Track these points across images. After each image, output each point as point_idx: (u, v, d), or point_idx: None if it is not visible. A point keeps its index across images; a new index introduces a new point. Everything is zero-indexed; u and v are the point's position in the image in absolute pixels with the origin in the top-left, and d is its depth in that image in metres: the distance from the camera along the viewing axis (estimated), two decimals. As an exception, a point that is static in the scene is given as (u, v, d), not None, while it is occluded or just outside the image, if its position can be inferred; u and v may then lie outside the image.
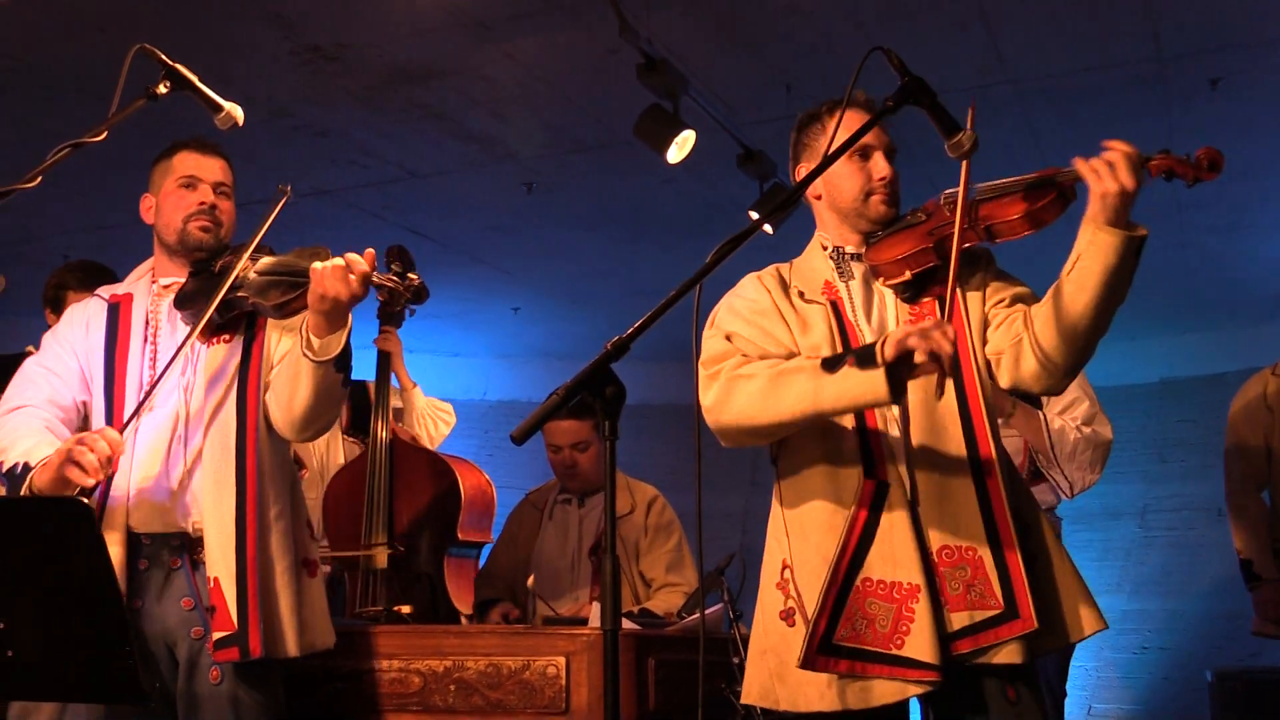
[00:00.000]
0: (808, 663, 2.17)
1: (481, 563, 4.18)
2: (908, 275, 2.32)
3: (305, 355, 2.56)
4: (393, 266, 2.61)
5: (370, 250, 2.55)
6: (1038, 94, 5.05)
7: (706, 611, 3.12)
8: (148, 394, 2.63)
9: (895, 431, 2.26)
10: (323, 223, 6.22)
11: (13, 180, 2.29)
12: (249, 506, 2.61)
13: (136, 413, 2.63)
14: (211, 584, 2.58)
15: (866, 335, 2.31)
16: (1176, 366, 8.48)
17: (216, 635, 2.56)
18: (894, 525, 2.20)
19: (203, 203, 2.76)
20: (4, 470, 2.59)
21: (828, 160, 2.26)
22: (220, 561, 2.58)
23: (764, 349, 2.29)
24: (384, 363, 4.12)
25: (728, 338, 2.32)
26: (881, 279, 2.37)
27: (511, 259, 7.17)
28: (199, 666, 2.60)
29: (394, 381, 4.20)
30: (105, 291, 2.86)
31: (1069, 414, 3.62)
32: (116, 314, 2.79)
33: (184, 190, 2.77)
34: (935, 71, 2.29)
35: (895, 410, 2.26)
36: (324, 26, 4.47)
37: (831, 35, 4.56)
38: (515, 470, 7.98)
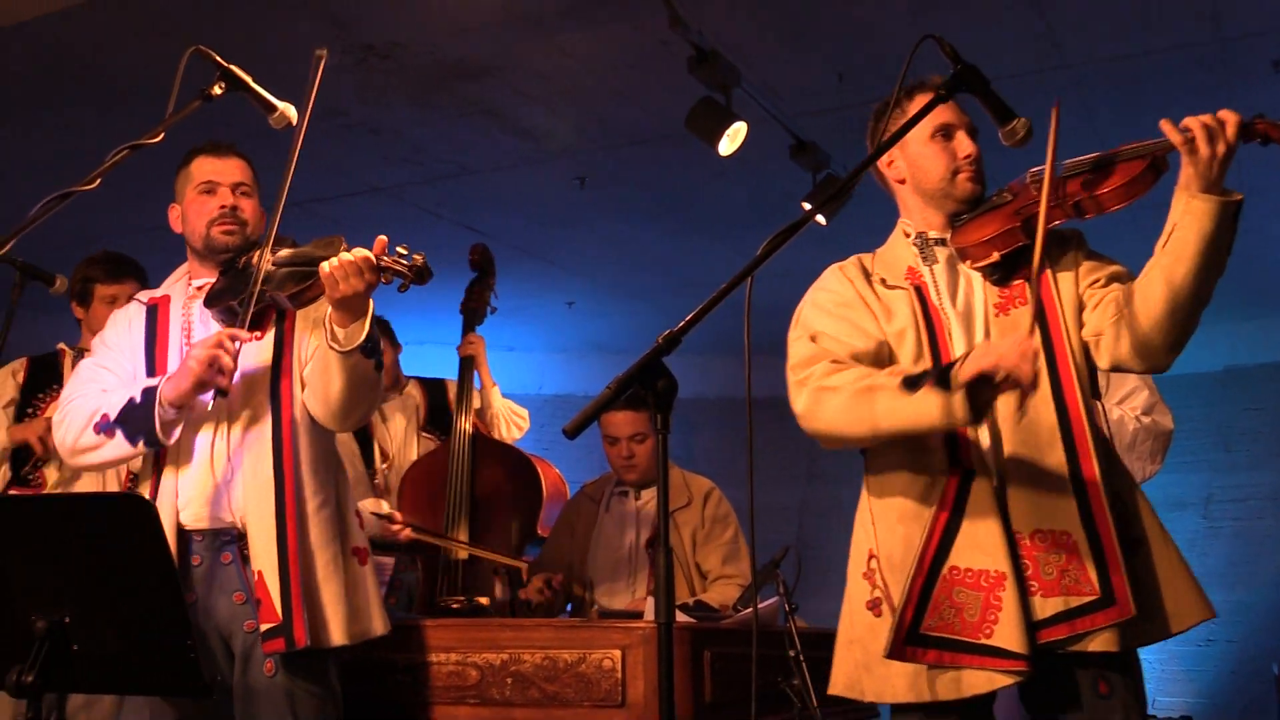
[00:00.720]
0: (894, 653, 2.16)
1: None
2: (995, 257, 2.28)
3: (331, 347, 2.61)
4: (398, 249, 2.63)
5: (381, 238, 2.60)
6: (1094, 78, 4.98)
7: (762, 605, 3.11)
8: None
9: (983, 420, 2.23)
10: (377, 220, 6.28)
11: (69, 182, 2.34)
12: (288, 499, 2.66)
13: (247, 315, 2.67)
14: (256, 577, 2.62)
15: (952, 319, 2.30)
16: (1240, 354, 8.33)
17: (264, 627, 2.61)
18: (980, 513, 2.17)
19: (223, 206, 2.82)
20: (120, 414, 2.65)
21: (882, 147, 2.26)
22: (263, 554, 2.63)
23: (851, 344, 2.28)
24: (468, 366, 4.16)
25: (813, 339, 2.32)
26: (969, 262, 2.33)
27: (564, 253, 7.19)
28: (253, 659, 2.65)
29: (475, 381, 4.27)
30: (144, 295, 2.94)
31: (1128, 403, 3.55)
32: (155, 315, 2.86)
33: (204, 196, 2.83)
34: (989, 57, 2.26)
35: None
36: (376, 25, 4.51)
37: (883, 23, 4.53)
38: (572, 465, 8.00)
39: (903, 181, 2.43)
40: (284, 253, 2.71)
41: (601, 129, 5.39)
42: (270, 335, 2.77)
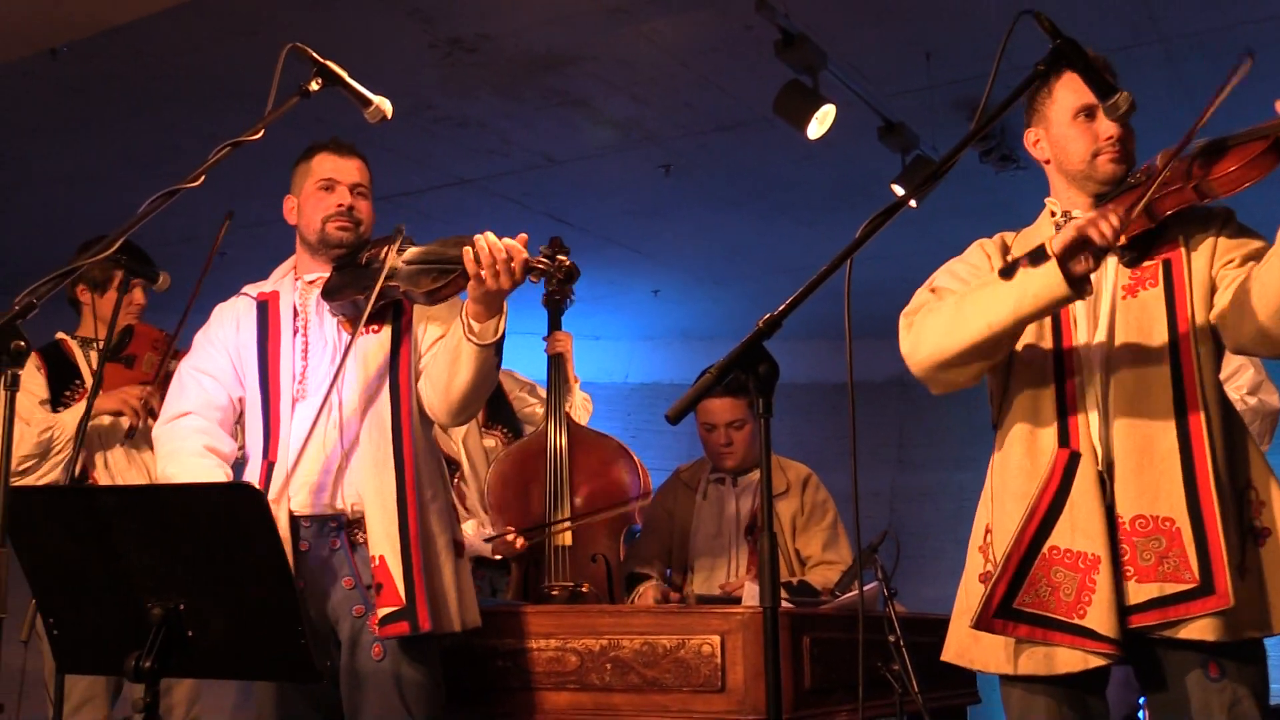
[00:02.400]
0: (980, 623, 2.19)
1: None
2: (1123, 239, 2.25)
3: (469, 339, 2.64)
4: (542, 250, 2.65)
5: (523, 235, 2.62)
6: (1190, 51, 4.86)
7: (868, 587, 3.09)
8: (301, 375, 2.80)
9: (1095, 399, 2.23)
10: (464, 212, 6.34)
11: (172, 182, 2.39)
12: (408, 487, 2.72)
13: (339, 371, 2.75)
14: (376, 562, 2.67)
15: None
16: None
17: (383, 611, 2.65)
18: (1082, 495, 2.17)
19: (340, 204, 2.88)
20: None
21: (973, 134, 2.23)
22: (384, 540, 2.68)
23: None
24: (558, 364, 4.17)
25: (932, 290, 2.33)
26: None
27: (651, 241, 7.20)
28: (360, 644, 2.70)
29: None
30: (252, 290, 2.98)
31: (1232, 383, 3.47)
32: (266, 310, 2.92)
33: (323, 192, 2.89)
34: (1081, 32, 2.21)
35: (1098, 375, 2.23)
36: (463, 18, 4.54)
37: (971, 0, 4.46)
38: (661, 452, 8.03)
39: (1048, 162, 2.42)
40: (413, 250, 2.74)
41: (687, 116, 5.38)
42: (388, 329, 2.83)
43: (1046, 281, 2.06)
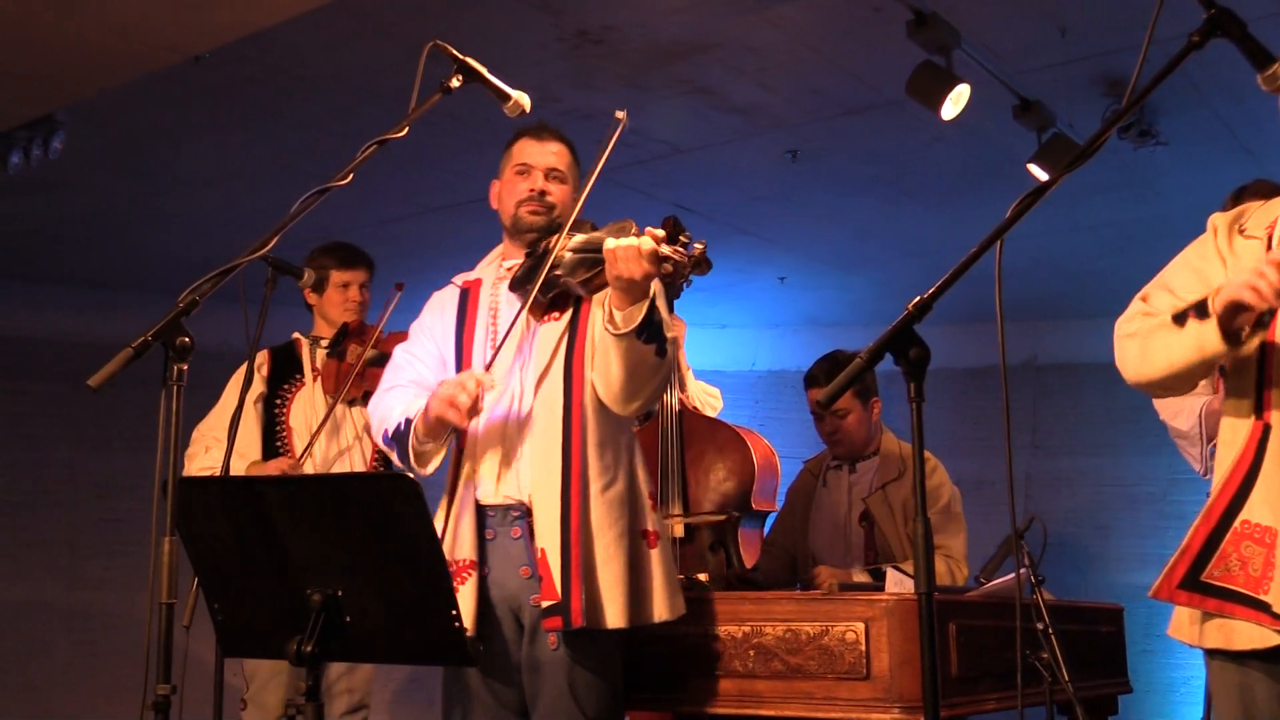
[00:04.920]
0: (1157, 592, 2.18)
1: (763, 533, 4.20)
2: None
3: (606, 329, 2.63)
4: (680, 239, 2.62)
5: (652, 231, 2.59)
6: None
7: (1007, 577, 3.05)
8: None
9: None
10: (589, 204, 6.36)
11: (311, 181, 2.46)
12: (573, 479, 2.70)
13: (495, 354, 2.79)
14: (539, 554, 2.69)
15: None
16: None
17: (544, 604, 2.67)
18: (1272, 468, 2.12)
19: (532, 189, 2.90)
20: (390, 435, 2.81)
21: (1125, 110, 2.18)
22: (547, 533, 2.69)
23: (1176, 301, 2.23)
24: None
25: (1143, 298, 2.31)
26: None
27: (777, 228, 7.15)
28: (539, 633, 2.72)
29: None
30: (459, 278, 3.04)
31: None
32: (466, 299, 2.97)
33: (518, 177, 2.93)
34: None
35: None
36: (589, 10, 4.56)
37: (1109, -29, 4.34)
38: (788, 440, 7.98)
39: None
40: (578, 239, 2.75)
41: (815, 101, 5.34)
42: (566, 317, 2.84)
43: (1205, 338, 2.08)
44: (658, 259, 2.53)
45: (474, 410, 2.64)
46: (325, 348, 4.01)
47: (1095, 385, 7.93)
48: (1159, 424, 3.54)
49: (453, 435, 2.80)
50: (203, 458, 3.86)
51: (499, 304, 2.91)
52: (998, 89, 4.82)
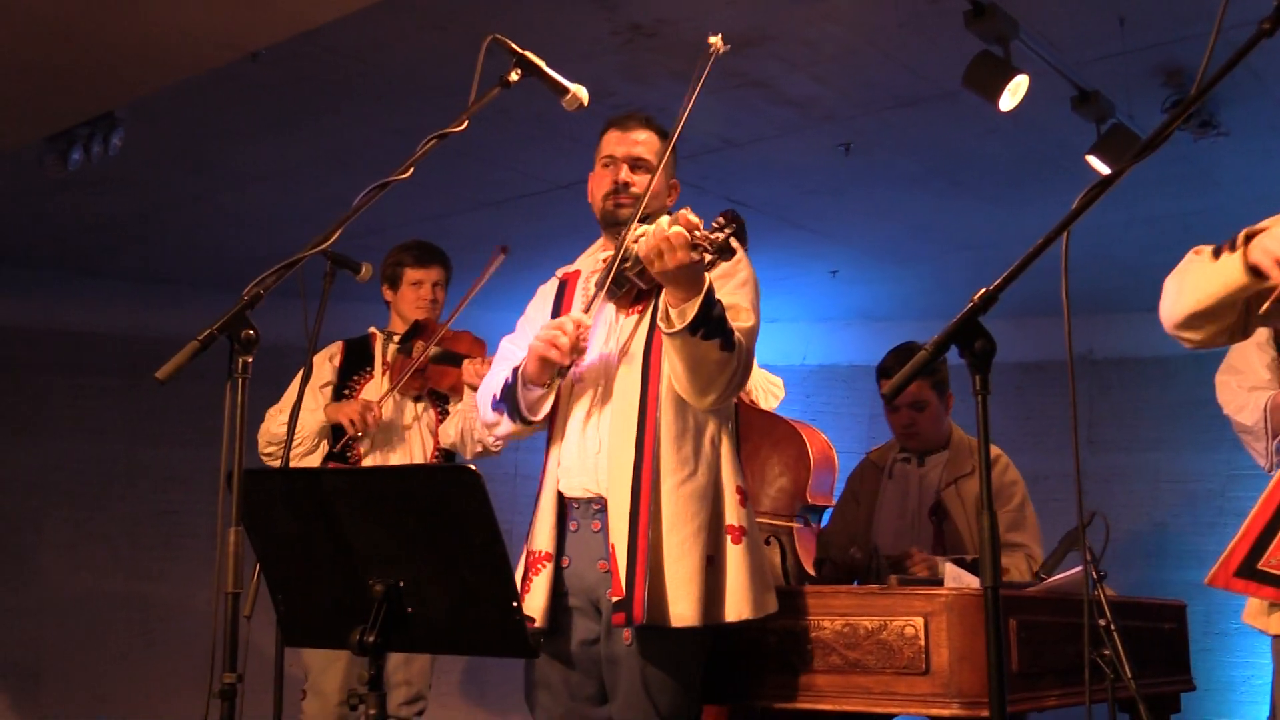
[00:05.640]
0: (1213, 580, 2.20)
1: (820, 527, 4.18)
2: None
3: (658, 326, 2.62)
4: (715, 220, 2.54)
5: (688, 214, 2.54)
6: None
7: (1069, 573, 3.01)
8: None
9: None
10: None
11: (367, 177, 2.47)
12: (644, 474, 2.67)
13: (593, 300, 2.80)
14: (610, 549, 2.68)
15: None
16: None
17: (613, 599, 2.66)
18: None
19: (615, 180, 2.89)
20: (500, 396, 2.83)
21: (1191, 100, 2.14)
22: (617, 528, 2.67)
23: None
24: None
25: (1196, 252, 2.30)
26: None
27: (829, 221, 7.11)
28: (615, 627, 2.70)
29: None
30: (560, 270, 3.06)
31: None
32: (563, 290, 2.98)
33: (604, 169, 2.94)
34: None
35: None
36: (643, 5, 4.56)
37: (1169, -42, 4.28)
38: (840, 434, 7.93)
39: None
40: (644, 229, 2.73)
41: (869, 93, 5.30)
42: (648, 310, 2.80)
43: (1231, 270, 2.07)
44: (690, 245, 2.46)
45: (575, 349, 2.66)
46: (396, 343, 4.07)
47: (1153, 380, 7.83)
48: (1218, 419, 3.49)
49: (559, 379, 2.78)
50: (281, 417, 3.95)
51: (590, 295, 2.89)
52: (1056, 80, 4.77)
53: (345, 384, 4.07)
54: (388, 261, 4.24)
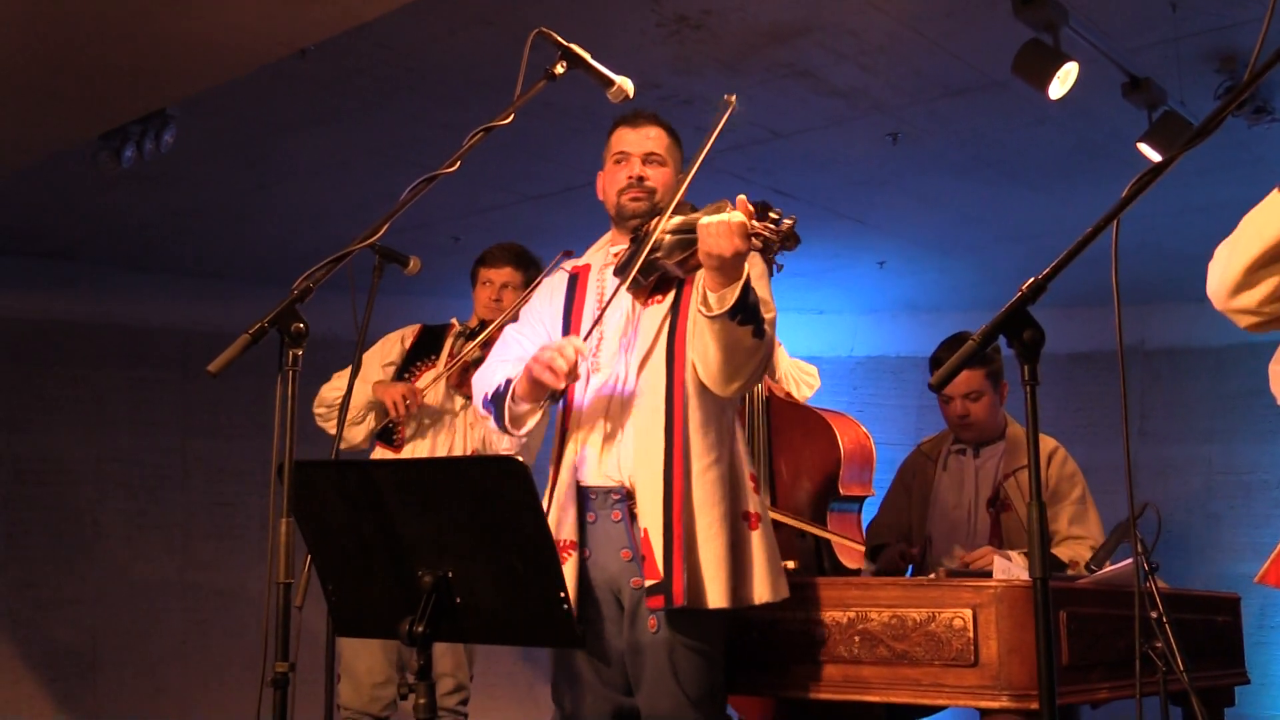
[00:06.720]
0: (1264, 577, 2.17)
1: (862, 517, 4.16)
2: None
3: (700, 312, 2.64)
4: (770, 215, 2.57)
5: (741, 197, 2.59)
6: None
7: (1120, 565, 2.99)
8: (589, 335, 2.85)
9: None
10: (689, 190, 6.35)
11: (416, 171, 2.49)
12: (676, 459, 2.72)
13: (594, 326, 2.84)
14: (642, 534, 2.71)
15: None
16: None
17: (647, 583, 2.69)
18: None
19: (630, 176, 2.93)
20: (490, 397, 2.87)
21: (1243, 87, 2.11)
22: (650, 513, 2.71)
23: None
24: None
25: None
26: None
27: (876, 212, 7.08)
28: (639, 615, 2.75)
29: None
30: (569, 264, 3.09)
31: None
32: (574, 284, 3.02)
33: (617, 166, 2.97)
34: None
35: None
36: (689, -4, 4.56)
37: (1222, -57, 4.22)
38: (887, 426, 7.92)
39: None
40: (676, 220, 2.77)
41: (917, 83, 5.26)
42: (669, 300, 2.86)
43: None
44: (747, 234, 2.52)
45: (570, 375, 2.68)
46: (464, 338, 4.14)
47: (1205, 370, 7.73)
48: (1272, 409, 3.44)
49: (549, 403, 2.83)
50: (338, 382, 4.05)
51: (605, 289, 2.94)
52: (1106, 67, 4.71)
53: (408, 367, 4.17)
54: (476, 260, 4.34)
